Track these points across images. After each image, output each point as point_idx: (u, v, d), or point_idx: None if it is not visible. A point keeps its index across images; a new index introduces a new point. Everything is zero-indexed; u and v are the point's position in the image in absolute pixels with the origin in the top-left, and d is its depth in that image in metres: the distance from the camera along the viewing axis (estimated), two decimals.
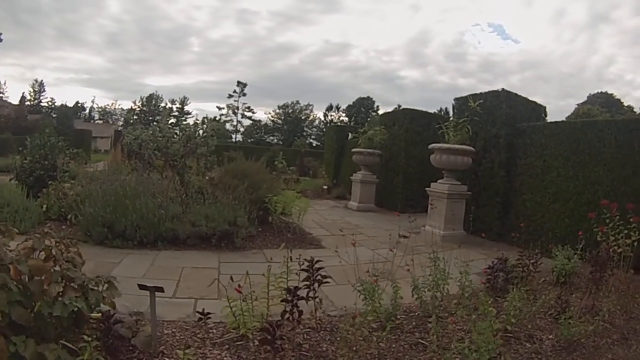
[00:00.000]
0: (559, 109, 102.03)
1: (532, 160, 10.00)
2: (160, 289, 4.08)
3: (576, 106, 65.44)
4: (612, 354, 4.50)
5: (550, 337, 4.71)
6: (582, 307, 5.15)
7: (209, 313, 4.12)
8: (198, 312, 4.15)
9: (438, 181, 10.78)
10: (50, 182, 10.82)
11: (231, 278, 4.31)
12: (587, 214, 6.99)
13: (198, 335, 4.36)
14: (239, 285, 4.17)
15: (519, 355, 4.29)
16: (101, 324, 3.65)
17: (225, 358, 3.99)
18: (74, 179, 11.66)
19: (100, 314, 3.74)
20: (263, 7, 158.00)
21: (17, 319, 3.13)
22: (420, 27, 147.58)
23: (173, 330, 4.48)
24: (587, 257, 6.41)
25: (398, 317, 4.99)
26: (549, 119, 11.30)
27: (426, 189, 10.98)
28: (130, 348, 3.85)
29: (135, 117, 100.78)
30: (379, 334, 4.04)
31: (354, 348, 3.85)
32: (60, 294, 3.53)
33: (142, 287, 4.07)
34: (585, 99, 70.84)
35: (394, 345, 4.34)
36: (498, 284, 5.76)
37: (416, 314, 5.19)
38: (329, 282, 4.66)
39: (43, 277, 3.52)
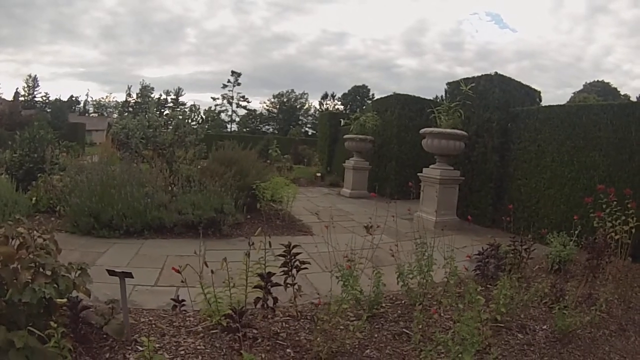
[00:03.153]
0: (556, 98, 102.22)
1: (526, 145, 9.86)
2: (129, 275, 3.91)
3: (572, 94, 65.23)
4: (610, 346, 4.36)
5: (544, 327, 4.56)
6: (578, 296, 4.99)
7: (183, 300, 4.03)
8: (173, 299, 4.05)
9: (430, 166, 10.62)
10: (39, 175, 10.70)
11: (205, 264, 4.18)
12: (583, 200, 6.91)
13: (174, 324, 4.22)
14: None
15: (509, 347, 4.13)
16: (69, 311, 3.53)
17: (199, 347, 3.84)
18: (63, 171, 11.53)
19: (65, 300, 3.57)
20: None
21: None
22: (418, 16, 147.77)
23: (150, 318, 4.36)
24: (583, 244, 6.31)
25: (382, 305, 4.83)
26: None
27: (418, 174, 10.82)
28: (104, 336, 3.73)
29: (130, 109, 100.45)
30: (358, 323, 3.84)
31: (332, 337, 3.64)
32: (30, 280, 3.37)
33: (111, 272, 3.91)
34: (581, 87, 70.46)
35: (376, 335, 4.17)
36: (489, 271, 5.61)
37: (402, 302, 5.04)
38: (309, 269, 4.51)
39: (15, 265, 3.42)
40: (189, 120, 12.72)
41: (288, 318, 4.39)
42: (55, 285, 3.51)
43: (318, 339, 3.64)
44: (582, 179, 8.55)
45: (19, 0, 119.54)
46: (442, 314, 4.38)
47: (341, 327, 3.73)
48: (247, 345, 3.31)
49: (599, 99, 52.05)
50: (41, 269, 3.52)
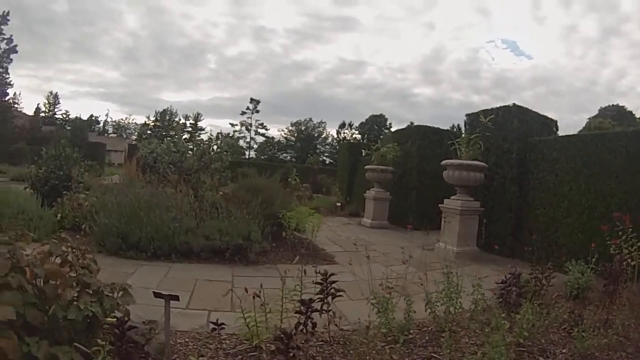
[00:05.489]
0: (572, 124, 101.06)
1: (544, 174, 9.98)
2: (176, 298, 4.18)
3: (588, 120, 64.82)
4: None
5: (564, 351, 4.69)
6: (596, 321, 5.11)
7: (222, 323, 4.16)
8: (212, 322, 4.19)
9: (451, 197, 10.79)
10: (65, 192, 11.01)
11: (245, 290, 4.37)
12: (600, 228, 7.02)
13: (211, 346, 4.43)
14: (255, 295, 4.24)
15: None
16: (115, 330, 3.71)
17: None
18: (88, 190, 12.02)
19: (115, 319, 3.80)
20: (280, 25, 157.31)
21: (31, 320, 3.22)
22: (434, 45, 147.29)
23: (186, 339, 4.57)
24: (600, 271, 6.41)
25: (411, 331, 5.01)
26: (562, 133, 11.28)
27: (439, 205, 10.98)
28: (143, 355, 3.93)
29: (149, 131, 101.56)
30: (392, 346, 4.08)
31: None
32: (75, 298, 3.61)
33: (157, 295, 4.16)
34: (597, 112, 70.01)
35: (406, 359, 4.37)
36: (511, 299, 5.74)
37: (429, 328, 5.22)
38: (342, 297, 4.71)
39: (58, 282, 3.61)
40: (215, 148, 13.01)
41: (322, 343, 4.59)
42: (100, 304, 3.77)
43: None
44: (599, 207, 8.62)
45: (41, 17, 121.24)
46: (468, 340, 4.58)
47: (375, 350, 3.96)
48: None
49: (613, 124, 51.81)
50: (86, 288, 3.76)
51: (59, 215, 10.07)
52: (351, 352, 4.13)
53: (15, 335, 3.02)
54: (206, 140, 13.36)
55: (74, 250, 4.09)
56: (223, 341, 4.56)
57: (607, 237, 6.60)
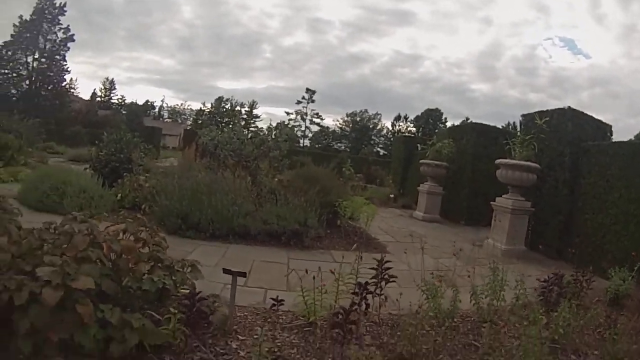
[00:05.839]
0: (627, 127, 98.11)
1: (595, 180, 9.91)
2: (243, 274, 4.65)
3: None
4: None
5: (596, 352, 4.90)
6: (630, 328, 5.20)
7: (281, 300, 4.58)
8: (272, 298, 4.59)
9: (503, 196, 10.94)
10: (125, 174, 11.60)
11: (306, 271, 4.83)
12: None
13: (269, 320, 4.85)
14: (313, 276, 4.70)
15: None
16: (186, 300, 4.11)
17: (294, 340, 4.49)
18: (147, 173, 12.54)
19: (187, 291, 4.26)
20: (335, 17, 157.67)
21: (106, 289, 3.66)
22: (491, 41, 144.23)
23: (245, 313, 5.02)
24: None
25: (455, 319, 5.35)
26: (618, 137, 11.22)
27: (491, 203, 11.14)
28: (206, 325, 4.29)
29: (204, 117, 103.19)
30: (437, 330, 4.47)
31: (414, 341, 4.28)
32: (148, 271, 4.08)
33: (226, 271, 4.62)
34: None
35: (448, 344, 4.69)
36: (552, 298, 5.91)
37: (472, 318, 5.55)
38: (394, 282, 5.09)
39: (131, 256, 4.10)
40: (274, 136, 13.44)
41: (372, 324, 5.00)
42: (173, 277, 4.25)
43: (404, 341, 4.30)
44: None
45: (99, 7, 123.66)
46: (507, 332, 4.90)
47: (421, 333, 4.36)
48: (347, 340, 3.96)
49: None
50: (159, 263, 4.25)
51: (119, 195, 10.68)
52: (399, 333, 4.53)
53: (90, 303, 3.43)
54: (266, 129, 13.81)
55: (147, 229, 4.60)
56: (280, 317, 4.99)
57: None
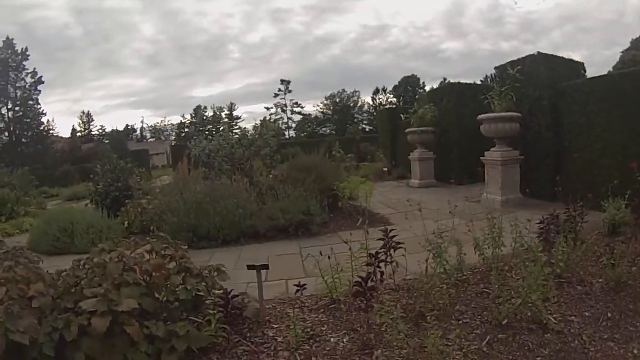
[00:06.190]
0: (605, 59, 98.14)
1: (576, 118, 10.10)
2: (266, 267, 5.02)
3: (621, 53, 62.50)
4: None
5: (600, 280, 5.25)
6: (631, 253, 5.47)
7: (304, 284, 4.87)
8: (295, 285, 4.88)
9: (491, 149, 11.20)
10: (127, 201, 11.78)
11: (320, 252, 5.16)
12: (631, 165, 7.46)
13: (295, 306, 5.19)
14: (329, 257, 5.07)
15: (570, 296, 4.95)
16: (220, 300, 4.49)
17: (322, 319, 4.87)
18: (147, 195, 12.78)
19: (221, 291, 4.65)
20: (295, 2, 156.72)
21: (147, 307, 4.03)
22: None
23: (272, 305, 5.38)
24: (632, 206, 6.93)
25: (464, 272, 5.75)
26: (597, 70, 11.48)
27: (481, 158, 11.41)
28: (241, 320, 4.73)
29: (186, 129, 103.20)
30: (449, 283, 4.88)
31: (429, 297, 4.69)
32: (181, 283, 4.41)
33: (250, 267, 4.97)
34: (629, 45, 67.05)
35: (462, 295, 5.12)
36: (550, 237, 6.15)
37: (480, 269, 5.90)
38: (401, 249, 5.42)
39: (162, 272, 4.45)
40: (261, 135, 13.71)
41: (389, 290, 5.37)
42: (204, 283, 4.60)
43: (419, 299, 4.68)
44: (633, 145, 8.70)
45: (59, 44, 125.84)
46: (513, 276, 5.21)
47: (435, 290, 4.75)
48: (371, 304, 4.34)
49: None
50: (188, 273, 4.59)
51: (125, 222, 10.90)
52: (415, 294, 4.93)
53: (136, 322, 3.81)
54: (252, 128, 14.10)
55: (170, 245, 4.99)
56: (304, 301, 5.36)
57: (637, 174, 7.08)
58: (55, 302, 3.94)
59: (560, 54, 11.37)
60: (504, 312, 4.32)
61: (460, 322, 4.47)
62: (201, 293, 4.46)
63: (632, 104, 8.77)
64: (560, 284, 5.19)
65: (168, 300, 4.28)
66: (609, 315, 4.48)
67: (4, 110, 53.86)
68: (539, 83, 11.03)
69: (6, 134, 53.95)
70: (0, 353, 3.26)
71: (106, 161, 13.89)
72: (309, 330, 4.54)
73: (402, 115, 18.09)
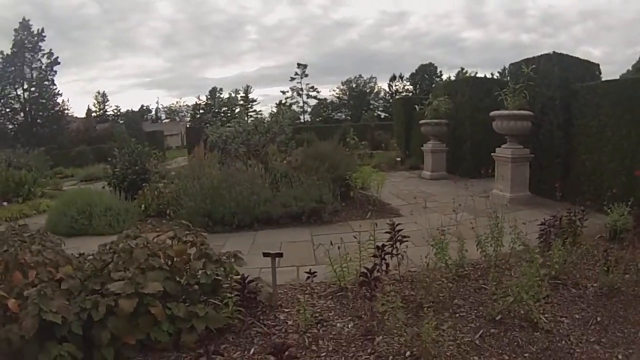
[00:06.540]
0: (625, 58, 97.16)
1: (587, 120, 10.17)
2: (280, 255, 5.36)
3: None
4: None
5: (595, 285, 5.48)
6: (628, 260, 5.70)
7: (314, 272, 5.22)
8: (306, 272, 5.21)
9: (502, 146, 11.35)
10: (144, 184, 12.10)
11: (331, 242, 5.49)
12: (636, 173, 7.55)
13: (306, 292, 5.58)
14: (339, 247, 5.38)
15: (564, 298, 5.21)
16: (237, 284, 4.84)
17: (330, 305, 5.23)
18: (164, 178, 13.14)
19: (239, 276, 4.98)
20: None
21: (169, 290, 4.37)
22: None
23: (284, 290, 5.74)
24: (633, 213, 7.10)
25: (466, 268, 6.04)
26: (618, 69, 11.49)
27: (492, 154, 11.57)
28: (255, 304, 5.07)
29: (201, 110, 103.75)
30: (450, 278, 5.22)
31: (430, 290, 5.02)
32: (202, 268, 4.76)
33: (265, 254, 5.32)
34: None
35: (461, 290, 5.45)
36: (550, 239, 6.36)
37: (481, 266, 6.19)
38: (408, 241, 5.72)
39: (184, 257, 4.82)
40: (278, 122, 13.92)
41: (394, 281, 5.67)
42: (222, 268, 4.95)
43: (421, 291, 5.01)
44: None
45: (76, 23, 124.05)
46: (512, 274, 5.48)
47: (436, 283, 5.08)
48: (375, 293, 4.65)
49: None
50: (208, 259, 4.93)
51: (142, 205, 11.22)
52: (417, 286, 5.26)
53: (159, 303, 4.18)
54: (269, 115, 14.28)
55: (193, 232, 5.28)
56: (314, 288, 5.71)
57: None
58: (82, 284, 4.29)
59: (580, 49, 11.70)
60: (498, 309, 4.63)
61: (457, 315, 4.80)
62: (219, 278, 4.81)
63: None
64: (556, 285, 5.46)
65: (189, 283, 4.64)
66: (599, 319, 4.72)
67: (19, 91, 53.96)
68: (552, 83, 11.08)
69: (22, 114, 54.03)
70: (34, 332, 3.57)
71: (123, 144, 14.12)
72: (317, 315, 4.88)
73: (416, 106, 18.25)
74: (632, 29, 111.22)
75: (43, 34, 55.05)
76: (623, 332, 4.48)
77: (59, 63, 56.35)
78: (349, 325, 4.68)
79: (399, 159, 21.17)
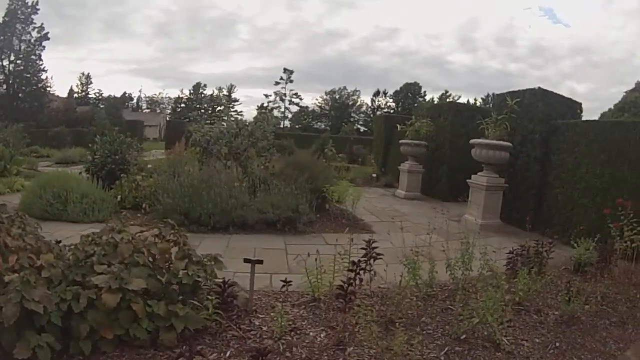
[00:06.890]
0: (609, 96, 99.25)
1: (564, 156, 10.50)
2: (260, 262, 5.43)
3: (625, 93, 62.82)
4: (607, 332, 5.42)
5: (556, 313, 5.76)
6: (589, 292, 6.11)
7: (290, 281, 5.28)
8: (281, 280, 5.26)
9: (478, 173, 11.57)
10: (122, 175, 12.06)
11: (308, 254, 5.58)
12: (604, 211, 7.85)
13: (279, 299, 5.67)
14: (316, 259, 5.52)
15: (525, 323, 5.46)
16: (219, 287, 5.00)
17: (303, 314, 5.37)
18: (142, 171, 12.85)
19: (220, 279, 5.12)
20: None
21: (151, 287, 4.41)
22: (470, 11, 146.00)
23: (258, 296, 5.81)
24: (597, 249, 7.42)
25: (434, 288, 6.27)
26: (600, 106, 11.91)
27: (467, 180, 11.78)
28: (231, 308, 5.13)
29: (182, 105, 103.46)
30: (419, 297, 5.43)
31: (399, 307, 5.23)
32: (184, 268, 4.81)
33: (246, 260, 5.41)
34: (634, 86, 67.43)
35: (429, 309, 5.66)
36: (516, 267, 6.64)
37: (449, 287, 6.39)
38: (381, 259, 5.83)
39: (166, 256, 4.90)
40: (261, 128, 13.99)
41: (365, 296, 5.83)
42: (204, 270, 5.01)
43: (391, 307, 5.21)
44: (612, 190, 8.94)
45: (72, 0, 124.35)
46: (478, 298, 5.62)
47: (406, 300, 5.29)
48: (348, 307, 4.82)
49: None
50: (190, 260, 4.99)
51: (119, 196, 11.20)
52: (387, 302, 5.46)
53: (141, 300, 4.23)
54: (253, 121, 14.35)
55: (176, 231, 5.35)
56: (288, 296, 5.82)
57: (609, 220, 7.46)
58: (63, 274, 4.28)
59: (565, 84, 12.00)
60: (463, 328, 4.84)
61: (425, 332, 5.00)
62: (200, 279, 4.88)
63: (618, 152, 9.17)
64: (519, 310, 5.74)
65: (169, 282, 4.69)
66: (558, 344, 4.97)
67: (5, 62, 53.61)
68: (534, 117, 11.37)
69: (4, 86, 53.66)
70: (14, 319, 3.56)
71: (103, 130, 13.99)
72: (291, 323, 5.02)
73: (398, 125, 18.50)
74: (619, 68, 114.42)
75: (37, 7, 55.06)
76: (580, 358, 4.74)
77: (48, 39, 56.36)
78: (322, 335, 4.83)
79: (374, 175, 21.36)
